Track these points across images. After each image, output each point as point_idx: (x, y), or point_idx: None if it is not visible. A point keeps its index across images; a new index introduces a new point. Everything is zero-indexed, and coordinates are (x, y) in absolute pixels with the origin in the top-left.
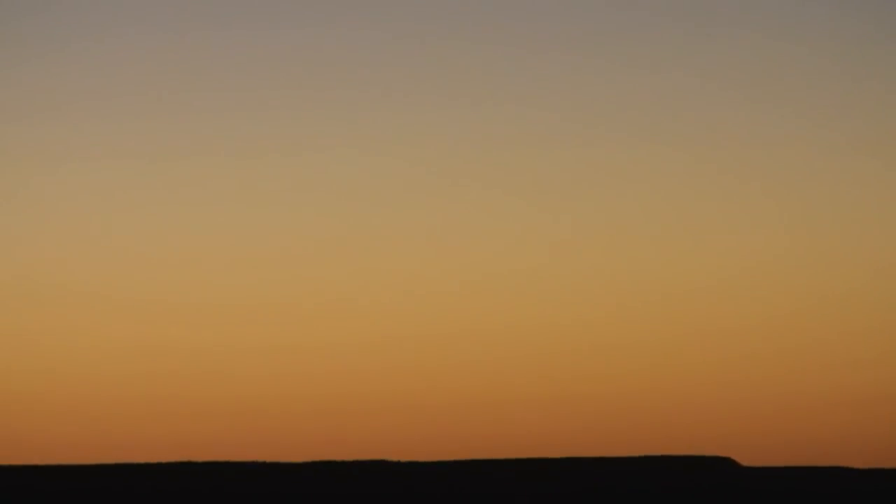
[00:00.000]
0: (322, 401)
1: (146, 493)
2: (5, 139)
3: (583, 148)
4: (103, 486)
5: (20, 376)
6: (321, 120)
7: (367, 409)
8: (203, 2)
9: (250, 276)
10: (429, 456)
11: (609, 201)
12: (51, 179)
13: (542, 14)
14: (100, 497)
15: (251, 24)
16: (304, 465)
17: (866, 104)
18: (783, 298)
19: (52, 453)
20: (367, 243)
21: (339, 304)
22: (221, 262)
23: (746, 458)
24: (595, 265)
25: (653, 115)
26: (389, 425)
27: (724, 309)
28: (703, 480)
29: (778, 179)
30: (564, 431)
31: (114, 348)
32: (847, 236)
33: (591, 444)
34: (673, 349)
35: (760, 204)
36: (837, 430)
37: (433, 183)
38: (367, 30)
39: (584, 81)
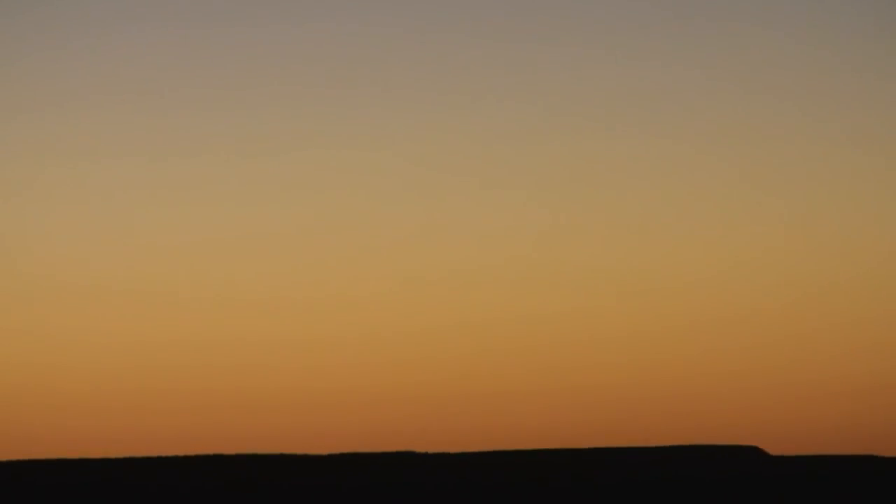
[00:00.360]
0: (348, 393)
1: (173, 486)
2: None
3: (580, 141)
4: (138, 480)
5: (37, 372)
6: (319, 117)
7: (394, 401)
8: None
9: (274, 272)
10: (457, 447)
11: (628, 193)
12: (51, 175)
13: (539, 8)
14: (134, 490)
15: (249, 20)
16: (330, 457)
17: (866, 97)
18: (809, 286)
19: (71, 448)
20: (380, 238)
21: (361, 298)
22: (240, 257)
23: (774, 447)
24: (613, 256)
25: (652, 108)
26: (416, 417)
27: (752, 297)
28: (731, 469)
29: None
30: (592, 422)
31: (152, 343)
32: (867, 222)
33: (618, 434)
34: (698, 339)
35: (779, 193)
36: (866, 418)
37: (438, 177)
38: (360, 25)
39: (584, 74)
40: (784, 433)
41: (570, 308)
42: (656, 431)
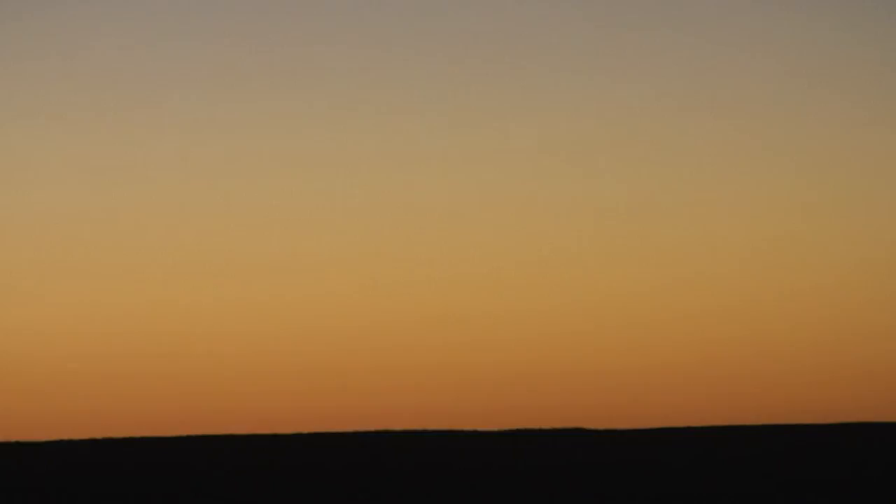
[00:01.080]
0: (519, 367)
1: (376, 461)
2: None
3: (592, 119)
4: (252, 455)
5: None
6: (324, 93)
7: (564, 375)
8: None
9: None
10: (627, 424)
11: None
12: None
13: None
14: (253, 464)
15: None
16: (499, 433)
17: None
18: None
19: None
20: (525, 213)
21: (531, 271)
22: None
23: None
24: (717, 228)
25: (686, 86)
26: (586, 392)
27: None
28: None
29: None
30: (735, 399)
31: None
32: None
33: (754, 412)
34: (820, 313)
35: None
36: None
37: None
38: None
39: (599, 44)
40: None
41: (708, 279)
42: (821, 405)
